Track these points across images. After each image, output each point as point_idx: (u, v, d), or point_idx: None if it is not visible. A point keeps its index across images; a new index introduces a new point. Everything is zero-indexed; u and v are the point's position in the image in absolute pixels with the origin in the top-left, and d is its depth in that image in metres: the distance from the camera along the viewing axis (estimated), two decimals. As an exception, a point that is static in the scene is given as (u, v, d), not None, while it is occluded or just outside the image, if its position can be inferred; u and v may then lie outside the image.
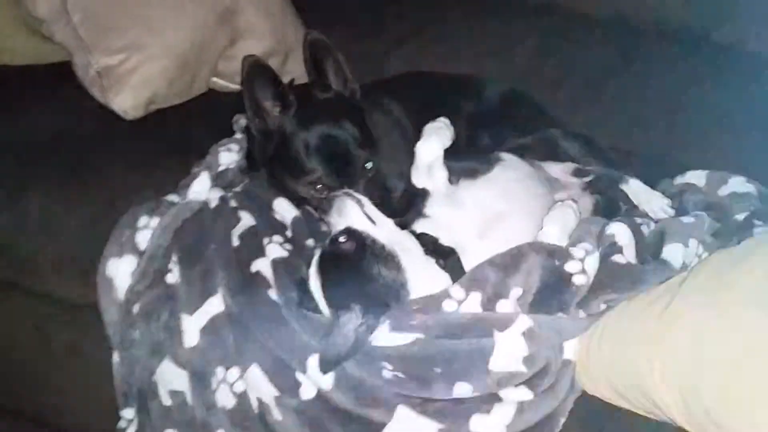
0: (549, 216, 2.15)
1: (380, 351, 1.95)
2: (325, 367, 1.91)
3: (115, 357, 2.28)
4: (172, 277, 2.24)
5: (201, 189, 2.42)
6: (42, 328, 2.77)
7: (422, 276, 2.02)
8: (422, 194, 2.25)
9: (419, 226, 2.16)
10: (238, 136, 2.80)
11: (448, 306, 1.95)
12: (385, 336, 1.95)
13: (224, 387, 2.09)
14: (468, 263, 2.07)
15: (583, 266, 1.96)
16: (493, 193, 2.22)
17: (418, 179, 2.27)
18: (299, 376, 2.02)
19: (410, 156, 2.67)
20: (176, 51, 2.90)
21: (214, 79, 3.22)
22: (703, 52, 3.36)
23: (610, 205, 2.57)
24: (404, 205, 2.29)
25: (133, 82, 2.82)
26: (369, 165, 2.39)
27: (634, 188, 2.56)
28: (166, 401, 2.20)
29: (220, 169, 2.52)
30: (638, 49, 3.41)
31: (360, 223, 2.07)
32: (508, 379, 1.90)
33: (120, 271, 2.27)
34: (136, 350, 2.21)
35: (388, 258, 2.01)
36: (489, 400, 1.91)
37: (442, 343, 1.91)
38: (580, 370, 1.98)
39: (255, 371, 2.06)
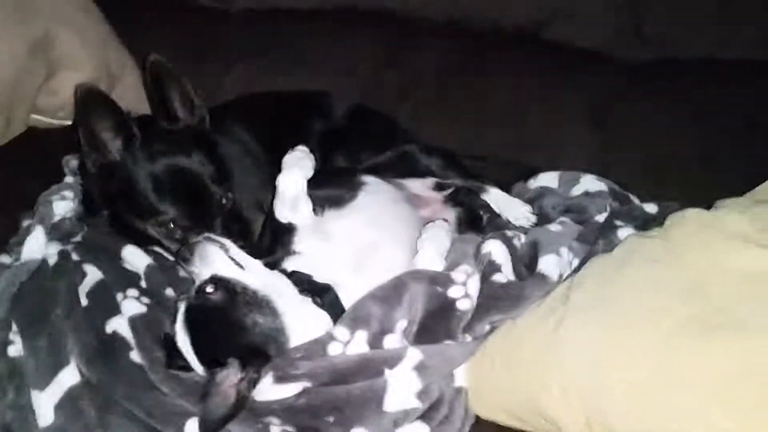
0: (422, 239, 2.08)
1: (265, 406, 1.81)
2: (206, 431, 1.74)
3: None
4: (15, 349, 1.97)
5: (36, 246, 2.15)
6: None
7: (300, 318, 1.89)
8: (288, 229, 2.11)
9: (290, 264, 2.03)
10: (69, 179, 2.55)
11: (333, 349, 1.83)
12: (268, 389, 1.81)
13: (90, 467, 1.86)
14: (346, 298, 1.97)
15: (466, 290, 1.90)
16: (362, 222, 2.12)
17: (282, 213, 2.12)
18: (177, 443, 1.83)
19: (265, 184, 2.54)
20: (-13, 92, 2.58)
21: (35, 116, 2.91)
22: (539, 50, 3.43)
23: (471, 216, 2.55)
24: (270, 242, 2.13)
25: (-57, 131, 2.47)
26: (225, 201, 2.22)
27: (495, 197, 2.55)
28: (21, 490, 1.93)
29: (55, 220, 2.27)
30: (476, 51, 3.44)
31: (226, 270, 1.90)
32: (404, 418, 1.81)
33: (-46, 351, 1.97)
34: (-19, 437, 1.93)
35: (261, 304, 1.86)
36: (388, 442, 1.81)
37: (331, 391, 1.79)
38: (473, 396, 1.92)
39: (123, 444, 1.86)
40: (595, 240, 2.21)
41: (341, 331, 1.84)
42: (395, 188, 2.36)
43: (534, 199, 2.61)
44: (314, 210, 2.16)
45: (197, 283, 1.91)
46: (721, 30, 3.27)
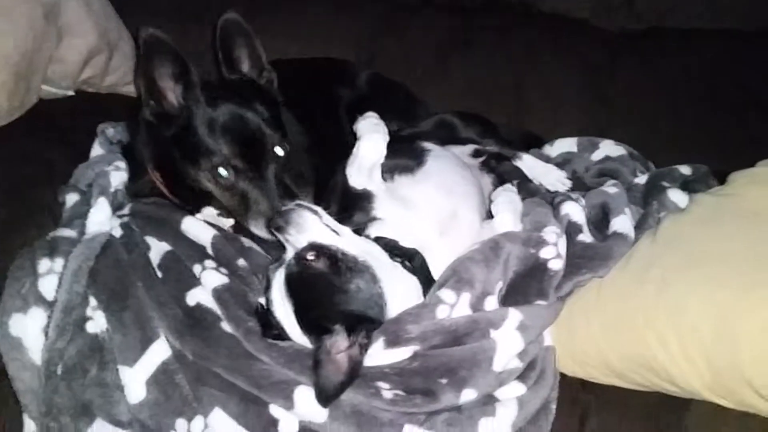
0: (498, 203, 2.11)
1: (377, 371, 1.81)
2: (325, 400, 1.73)
3: (30, 427, 1.89)
4: (95, 325, 1.91)
5: (103, 218, 2.09)
6: None
7: (396, 283, 1.89)
8: (365, 196, 2.09)
9: (373, 230, 2.02)
10: (99, 149, 2.45)
11: (441, 312, 1.84)
12: (380, 354, 1.81)
13: (191, 440, 1.82)
14: (432, 262, 1.98)
15: (557, 250, 1.94)
16: (439, 187, 2.13)
17: (359, 180, 2.10)
18: (275, 411, 1.81)
19: (302, 152, 2.50)
20: (11, 60, 2.44)
21: (43, 86, 2.77)
22: (533, 22, 3.49)
23: (501, 181, 2.58)
24: (344, 209, 2.10)
25: (-28, 103, 2.33)
26: (280, 151, 2.15)
27: (529, 163, 2.59)
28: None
29: (111, 191, 2.18)
30: (473, 23, 3.47)
31: (323, 236, 1.88)
32: (507, 377, 1.85)
33: (28, 329, 1.89)
34: (63, 416, 1.84)
35: (362, 270, 1.85)
36: (489, 402, 1.84)
37: (444, 353, 1.81)
38: (561, 354, 1.97)
39: (219, 416, 1.83)
40: (647, 201, 2.29)
41: (448, 294, 1.86)
42: (453, 154, 2.37)
43: (561, 165, 2.67)
44: (382, 176, 2.15)
45: (291, 250, 1.89)
46: (709, 1, 3.42)
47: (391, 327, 1.82)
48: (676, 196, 2.24)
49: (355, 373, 1.75)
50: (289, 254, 1.89)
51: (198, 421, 1.83)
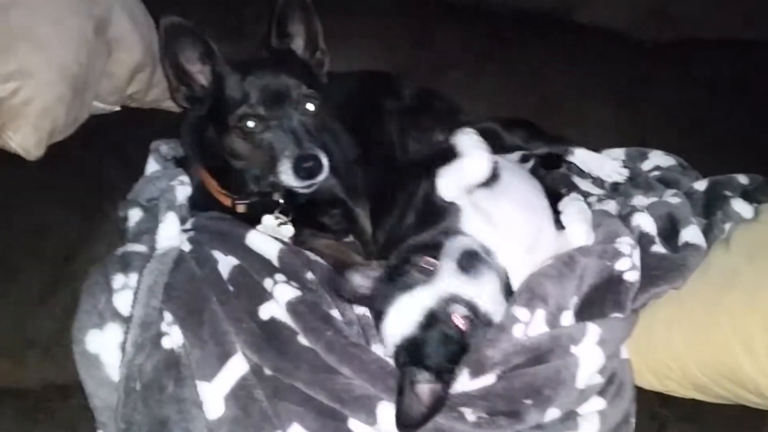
0: (568, 215, 2.08)
1: (460, 396, 1.80)
2: (404, 428, 1.71)
3: (105, 448, 1.88)
4: (170, 341, 1.88)
5: (173, 233, 2.08)
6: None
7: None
8: (452, 209, 2.03)
9: None
10: (154, 165, 2.45)
11: (517, 331, 1.81)
12: (466, 383, 1.80)
13: (272, 457, 1.81)
14: (514, 278, 1.95)
15: (632, 262, 1.93)
16: (518, 202, 2.08)
17: (451, 193, 2.04)
18: (354, 425, 1.80)
19: (351, 165, 2.49)
20: (70, 71, 2.43)
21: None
22: (567, 33, 3.49)
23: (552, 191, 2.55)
24: (425, 221, 2.07)
25: (32, 115, 2.30)
26: (310, 106, 2.14)
27: (582, 157, 2.59)
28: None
29: (177, 205, 2.18)
30: (509, 33, 3.46)
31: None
32: (589, 393, 1.84)
33: (106, 345, 1.88)
34: (144, 434, 1.83)
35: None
36: (571, 417, 1.84)
37: (527, 373, 1.79)
38: (640, 368, 1.96)
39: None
40: (709, 210, 2.28)
41: (522, 312, 1.83)
42: (515, 164, 2.35)
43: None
44: None
45: (447, 281, 1.81)
46: (744, 10, 3.42)
47: (472, 356, 1.79)
48: (740, 206, 2.26)
49: (439, 408, 1.74)
50: (441, 283, 1.81)
51: (279, 437, 1.82)
